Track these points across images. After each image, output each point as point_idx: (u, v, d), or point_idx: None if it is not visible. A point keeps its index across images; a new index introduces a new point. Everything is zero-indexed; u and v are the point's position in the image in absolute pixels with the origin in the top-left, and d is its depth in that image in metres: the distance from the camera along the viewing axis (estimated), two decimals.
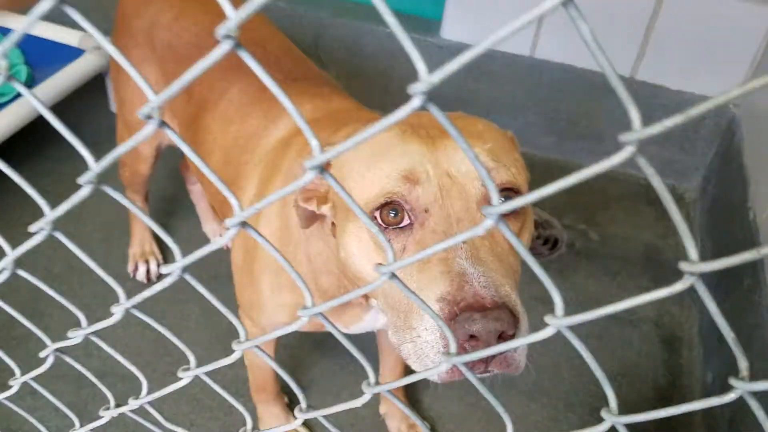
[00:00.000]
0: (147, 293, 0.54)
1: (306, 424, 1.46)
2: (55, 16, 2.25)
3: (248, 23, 1.43)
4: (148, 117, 0.42)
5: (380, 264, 0.46)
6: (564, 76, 2.12)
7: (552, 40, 2.08)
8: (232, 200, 0.46)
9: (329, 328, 0.53)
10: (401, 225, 0.70)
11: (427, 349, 0.63)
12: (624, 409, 1.62)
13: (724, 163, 2.04)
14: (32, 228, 0.51)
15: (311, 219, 0.85)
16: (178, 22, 1.29)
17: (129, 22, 1.35)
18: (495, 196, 0.40)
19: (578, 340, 0.45)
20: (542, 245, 1.98)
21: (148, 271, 1.71)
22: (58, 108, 1.88)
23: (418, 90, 0.36)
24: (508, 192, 0.72)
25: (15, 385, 0.71)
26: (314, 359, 1.60)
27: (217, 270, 1.76)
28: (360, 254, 0.73)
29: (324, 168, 0.42)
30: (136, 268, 1.70)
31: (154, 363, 1.52)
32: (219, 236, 1.81)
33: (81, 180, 0.47)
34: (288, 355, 1.60)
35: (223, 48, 0.36)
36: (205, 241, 1.84)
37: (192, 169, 1.55)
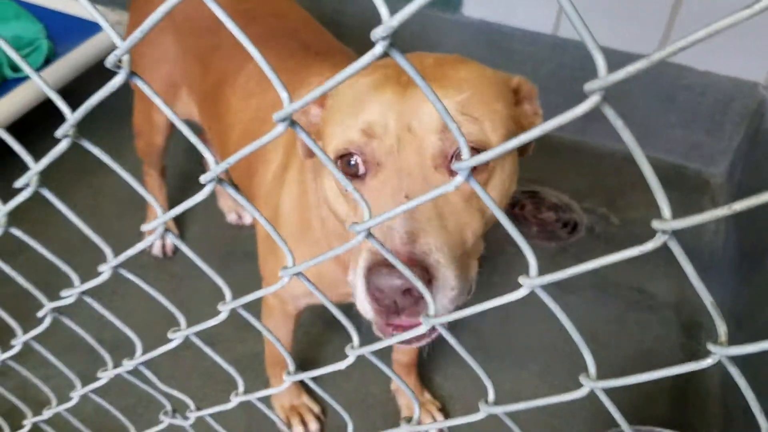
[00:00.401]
0: (131, 252, 0.54)
1: (316, 399, 1.47)
2: None
3: None
4: (117, 66, 0.42)
5: (355, 223, 0.45)
6: (588, 55, 2.06)
7: None
8: (206, 154, 0.46)
9: (311, 289, 0.53)
10: (358, 174, 0.72)
11: (358, 291, 0.65)
12: (641, 393, 1.58)
13: (752, 148, 1.98)
14: (18, 183, 0.52)
15: (311, 152, 0.87)
16: None
17: None
18: (465, 151, 0.39)
19: (554, 302, 0.44)
20: (561, 228, 1.96)
21: (163, 246, 1.73)
22: (78, 82, 1.91)
23: (379, 35, 0.35)
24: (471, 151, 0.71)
25: (17, 344, 0.73)
26: (327, 337, 1.61)
27: (233, 247, 1.78)
28: (333, 197, 0.78)
29: (294, 121, 0.42)
30: (152, 243, 1.73)
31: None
32: (234, 213, 1.82)
33: (58, 133, 0.47)
34: (302, 332, 1.60)
35: None
36: (221, 217, 1.86)
37: (213, 144, 1.57)
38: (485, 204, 0.73)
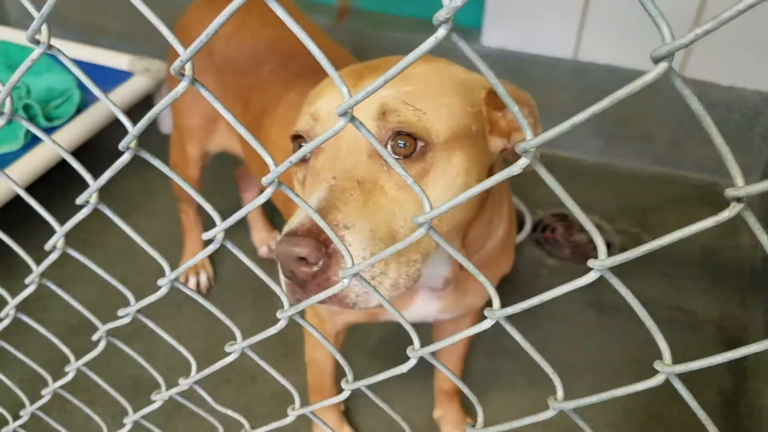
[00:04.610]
0: (190, 262, 0.55)
1: (357, 431, 1.45)
2: (106, 43, 2.33)
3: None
4: (180, 74, 0.43)
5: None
6: (610, 77, 2.08)
7: (595, 42, 2.05)
8: (267, 159, 0.47)
9: (370, 291, 0.53)
10: (307, 157, 0.76)
11: None
12: (690, 414, 1.53)
13: None
14: (78, 200, 0.53)
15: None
16: (236, 36, 1.33)
17: (189, 31, 1.41)
18: (528, 133, 0.40)
19: (624, 286, 0.43)
20: (594, 250, 1.94)
21: (198, 283, 1.74)
22: (108, 130, 1.96)
23: (442, 17, 0.35)
24: (405, 137, 0.71)
25: (70, 371, 0.73)
26: (367, 366, 1.59)
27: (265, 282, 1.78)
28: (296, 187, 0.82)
29: (354, 116, 0.43)
30: (186, 280, 1.73)
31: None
32: (265, 247, 1.83)
33: (121, 145, 0.48)
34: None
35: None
36: (253, 253, 1.87)
37: (252, 173, 1.59)
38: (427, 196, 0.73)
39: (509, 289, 1.76)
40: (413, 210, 0.70)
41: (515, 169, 0.39)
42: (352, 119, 0.43)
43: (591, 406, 1.51)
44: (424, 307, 0.99)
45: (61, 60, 0.51)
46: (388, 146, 0.71)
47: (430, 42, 0.37)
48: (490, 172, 0.82)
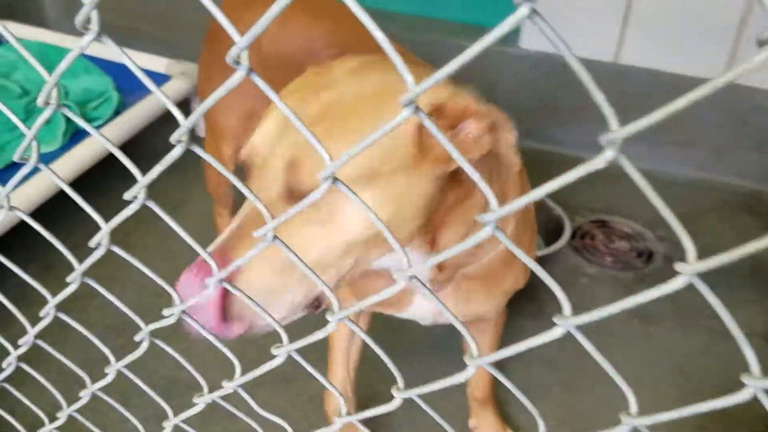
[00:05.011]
0: (239, 262, 0.53)
1: None
2: (144, 45, 2.35)
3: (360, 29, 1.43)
4: (236, 62, 0.41)
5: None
6: (651, 81, 2.03)
7: (637, 45, 2.01)
8: (323, 153, 0.45)
9: (424, 293, 0.50)
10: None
11: None
12: (737, 427, 1.47)
13: None
14: (127, 195, 0.51)
15: None
16: (284, 30, 1.29)
17: (232, 17, 1.38)
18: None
19: (713, 295, 0.39)
20: (636, 258, 1.88)
21: None
22: (145, 133, 1.96)
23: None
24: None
25: (111, 372, 0.72)
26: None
27: None
28: None
29: (418, 106, 0.40)
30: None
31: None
32: None
33: (172, 138, 0.46)
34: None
35: None
36: None
37: None
38: (331, 229, 0.69)
39: (547, 296, 1.72)
40: (315, 245, 0.70)
41: (599, 163, 0.36)
42: (417, 110, 0.40)
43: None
44: (421, 306, 1.00)
45: (110, 48, 0.49)
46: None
47: (509, 22, 0.34)
48: (449, 188, 0.75)
